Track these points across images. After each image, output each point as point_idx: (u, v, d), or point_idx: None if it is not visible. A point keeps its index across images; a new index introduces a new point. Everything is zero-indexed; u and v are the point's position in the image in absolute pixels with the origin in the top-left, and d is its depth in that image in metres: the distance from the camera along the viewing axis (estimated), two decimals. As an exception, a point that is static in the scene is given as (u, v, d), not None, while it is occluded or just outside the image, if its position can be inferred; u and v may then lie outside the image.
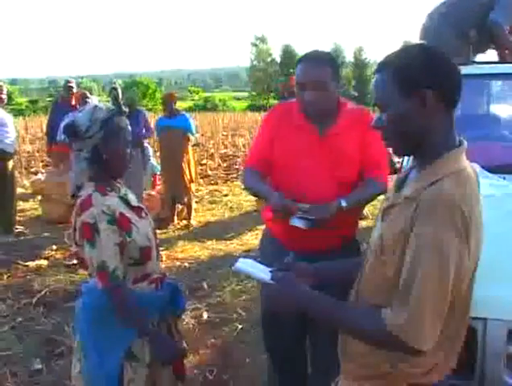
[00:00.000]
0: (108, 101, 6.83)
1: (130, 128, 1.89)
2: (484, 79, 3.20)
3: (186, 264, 5.02)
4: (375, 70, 1.28)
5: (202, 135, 15.54)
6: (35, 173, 9.73)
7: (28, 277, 4.66)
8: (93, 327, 1.81)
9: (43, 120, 18.97)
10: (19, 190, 7.39)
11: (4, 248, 5.35)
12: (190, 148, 6.52)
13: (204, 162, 11.38)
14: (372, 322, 1.21)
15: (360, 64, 63.30)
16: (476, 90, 3.33)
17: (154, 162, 7.77)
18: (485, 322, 1.56)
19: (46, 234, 5.99)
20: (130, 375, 1.80)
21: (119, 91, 6.22)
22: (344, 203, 2.01)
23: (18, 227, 6.03)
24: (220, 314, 3.83)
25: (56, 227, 6.08)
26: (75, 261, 4.40)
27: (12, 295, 4.21)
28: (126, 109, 1.93)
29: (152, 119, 11.58)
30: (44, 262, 5.04)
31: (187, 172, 6.30)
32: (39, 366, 3.14)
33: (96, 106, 1.82)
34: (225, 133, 17.76)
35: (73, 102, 6.47)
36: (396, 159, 3.10)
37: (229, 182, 9.59)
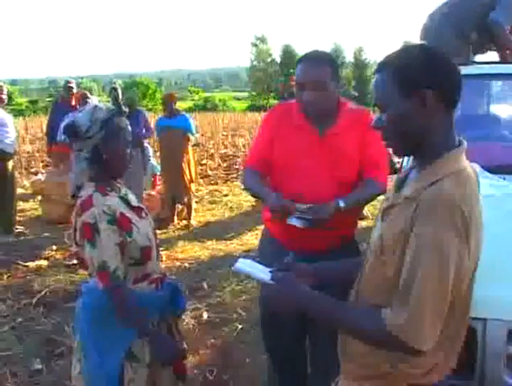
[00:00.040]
0: (108, 101, 6.84)
1: (129, 128, 1.89)
2: (484, 79, 3.20)
3: (186, 265, 5.02)
4: (375, 70, 1.28)
5: (202, 135, 15.55)
6: (35, 173, 9.74)
7: (28, 277, 4.66)
8: (93, 327, 1.81)
9: (43, 120, 18.98)
10: (19, 191, 7.39)
11: (4, 248, 5.35)
12: (190, 148, 6.52)
13: (204, 162, 11.38)
14: (372, 322, 1.21)
15: (360, 64, 63.30)
16: (476, 90, 3.33)
17: (155, 162, 7.78)
18: (484, 322, 1.56)
19: (46, 234, 5.99)
20: (131, 375, 1.80)
21: (119, 91, 6.24)
22: (342, 204, 2.01)
23: (18, 227, 6.03)
24: (220, 314, 3.83)
25: (56, 227, 6.08)
26: (75, 261, 4.40)
27: (12, 295, 4.21)
28: (126, 109, 1.93)
29: (152, 119, 11.58)
30: (44, 262, 5.04)
31: (187, 172, 6.30)
32: (39, 366, 3.14)
33: (96, 106, 1.83)
34: (224, 134, 17.77)
35: (73, 102, 6.47)
36: (396, 159, 3.10)
37: (229, 182, 9.59)
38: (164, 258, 5.04)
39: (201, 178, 9.63)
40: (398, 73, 1.21)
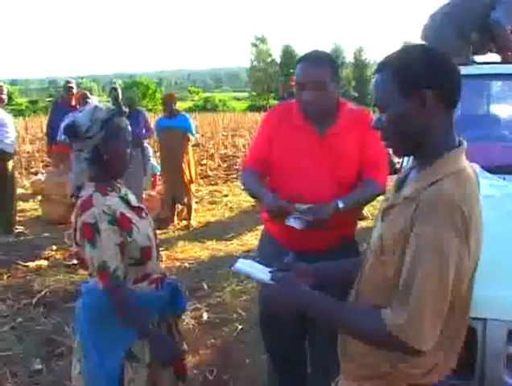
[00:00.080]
0: (108, 102, 6.84)
1: (130, 128, 1.89)
2: (484, 79, 3.20)
3: (186, 265, 5.02)
4: (375, 70, 1.28)
5: (202, 135, 15.55)
6: (35, 173, 9.74)
7: (28, 277, 4.66)
8: (93, 327, 1.81)
9: (43, 120, 18.98)
10: (19, 191, 7.38)
11: (4, 249, 5.35)
12: (190, 148, 6.53)
13: (204, 162, 11.38)
14: (372, 322, 1.21)
15: (360, 65, 63.29)
16: (476, 90, 3.33)
17: (155, 162, 7.78)
18: (484, 322, 1.56)
19: (46, 234, 5.99)
20: (131, 375, 1.80)
21: (119, 91, 6.25)
22: (341, 204, 2.01)
23: (18, 227, 6.03)
24: (220, 315, 3.83)
25: (56, 227, 6.08)
26: (75, 261, 4.39)
27: (12, 295, 4.21)
28: (126, 110, 1.93)
29: (152, 119, 11.58)
30: (44, 262, 5.04)
31: (187, 172, 6.30)
32: (39, 366, 3.14)
33: (96, 106, 1.83)
34: (224, 134, 17.76)
35: (73, 102, 6.47)
36: (396, 159, 3.10)
37: (229, 182, 9.59)
38: (164, 258, 5.04)
39: (201, 178, 9.63)
40: (398, 73, 1.21)
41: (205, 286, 4.38)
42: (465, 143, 1.28)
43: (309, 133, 2.14)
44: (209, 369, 3.08)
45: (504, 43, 3.16)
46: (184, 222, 6.51)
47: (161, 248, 4.63)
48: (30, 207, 7.39)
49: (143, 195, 6.09)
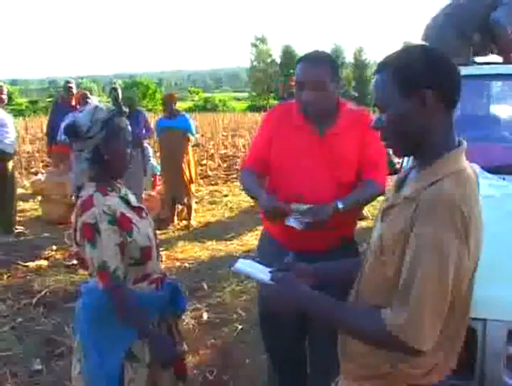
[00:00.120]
0: (108, 102, 6.83)
1: (130, 128, 1.89)
2: (484, 79, 3.20)
3: (186, 265, 5.02)
4: (375, 70, 1.28)
5: (202, 136, 15.54)
6: (35, 173, 9.74)
7: (28, 277, 4.66)
8: (93, 327, 1.81)
9: (43, 120, 18.98)
10: (19, 191, 7.38)
11: (4, 249, 5.35)
12: (190, 148, 6.53)
13: (204, 162, 11.38)
14: (372, 322, 1.21)
15: (360, 65, 63.28)
16: (476, 91, 3.33)
17: (155, 162, 7.78)
18: (484, 322, 1.56)
19: (46, 234, 5.99)
20: (131, 375, 1.80)
21: (119, 91, 6.24)
22: (340, 205, 2.01)
23: (18, 227, 6.03)
24: (220, 315, 3.83)
25: (56, 227, 6.08)
26: (75, 261, 4.40)
27: (12, 295, 4.21)
28: (127, 110, 1.94)
29: (152, 119, 11.58)
30: (44, 262, 5.04)
31: (187, 172, 6.30)
32: (39, 366, 3.14)
33: (96, 106, 1.83)
34: (224, 134, 17.76)
35: (73, 103, 6.48)
36: (396, 160, 3.11)
37: (229, 182, 9.59)
38: (164, 258, 5.05)
39: (201, 178, 9.63)
40: (398, 73, 1.21)
41: (205, 286, 4.39)
42: (465, 143, 1.28)
43: (309, 133, 2.14)
44: (209, 369, 3.08)
45: (504, 43, 3.16)
46: (184, 222, 6.51)
47: (161, 248, 4.63)
48: (30, 207, 7.39)
49: (143, 195, 6.09)
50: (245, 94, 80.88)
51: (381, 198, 1.82)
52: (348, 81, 51.00)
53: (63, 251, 5.32)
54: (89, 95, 6.49)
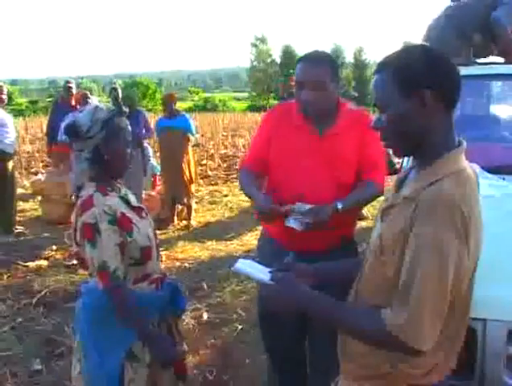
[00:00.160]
0: (108, 102, 6.83)
1: (130, 128, 1.89)
2: (484, 79, 3.20)
3: (186, 265, 5.02)
4: (375, 70, 1.28)
5: (202, 136, 15.55)
6: (35, 173, 9.74)
7: (28, 277, 4.66)
8: (93, 327, 1.81)
9: (43, 120, 18.98)
10: (19, 191, 7.38)
11: (4, 249, 5.35)
12: (190, 148, 6.52)
13: (204, 162, 11.38)
14: (372, 322, 1.21)
15: (360, 65, 63.27)
16: (476, 91, 3.33)
17: (155, 162, 7.78)
18: (484, 322, 1.56)
19: (46, 234, 5.99)
20: (131, 375, 1.80)
21: (119, 91, 6.24)
22: (340, 206, 2.01)
23: (18, 227, 6.03)
24: (220, 315, 3.83)
25: (56, 227, 6.08)
26: (75, 261, 4.40)
27: (12, 295, 4.21)
28: (127, 110, 1.93)
29: (152, 119, 11.58)
30: (44, 262, 5.04)
31: (187, 172, 6.30)
32: (39, 366, 3.14)
33: (97, 106, 1.83)
34: (224, 134, 17.76)
35: (73, 103, 6.48)
36: (396, 160, 3.11)
37: (228, 182, 9.59)
38: (164, 258, 5.05)
39: (201, 178, 9.63)
40: (398, 73, 1.21)
41: (205, 286, 4.39)
42: (465, 143, 1.28)
43: (309, 133, 2.14)
44: (209, 369, 3.08)
45: (505, 43, 3.15)
46: (184, 222, 6.51)
47: (161, 248, 4.63)
48: (30, 207, 7.39)
49: (143, 195, 6.09)
50: (245, 94, 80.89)
51: (381, 198, 1.82)
52: (348, 81, 50.98)
53: (63, 251, 5.32)
54: (89, 95, 6.49)
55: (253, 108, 47.83)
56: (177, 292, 2.01)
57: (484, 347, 1.57)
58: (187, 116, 6.53)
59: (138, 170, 5.83)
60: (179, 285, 2.12)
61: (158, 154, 7.53)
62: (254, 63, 66.91)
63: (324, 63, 2.08)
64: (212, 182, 9.60)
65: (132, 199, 1.92)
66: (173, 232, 6.23)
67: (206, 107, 55.61)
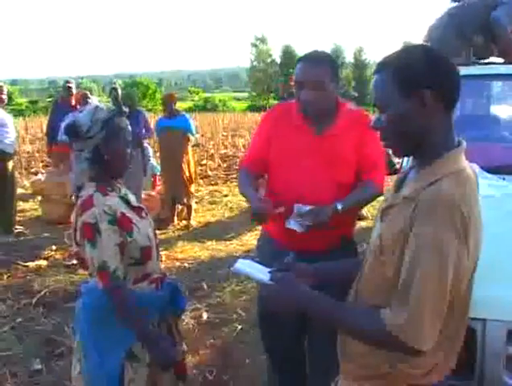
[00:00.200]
0: (108, 102, 6.82)
1: (130, 128, 1.89)
2: (484, 79, 3.21)
3: (186, 265, 5.02)
4: (375, 70, 1.28)
5: (202, 135, 15.55)
6: (35, 173, 9.73)
7: (28, 277, 4.66)
8: (94, 327, 1.81)
9: (43, 120, 18.98)
10: (19, 191, 7.38)
11: (4, 249, 5.35)
12: (190, 148, 6.52)
13: (204, 162, 11.38)
14: (371, 322, 1.21)
15: (360, 65, 63.28)
16: (476, 91, 3.33)
17: (154, 162, 7.78)
18: (484, 322, 1.56)
19: (46, 234, 5.99)
20: (131, 375, 1.80)
21: (119, 91, 6.24)
22: (339, 206, 2.01)
23: (18, 227, 6.03)
24: (219, 315, 3.83)
25: (56, 227, 6.08)
26: (75, 261, 4.40)
27: (12, 295, 4.21)
28: (127, 110, 1.93)
29: (152, 119, 11.58)
30: (44, 262, 5.04)
31: (187, 172, 6.30)
32: (39, 366, 3.14)
33: (97, 106, 1.83)
34: (224, 134, 17.76)
35: (73, 103, 6.48)
36: (396, 160, 3.11)
37: (228, 182, 9.58)
38: (164, 258, 5.04)
39: (201, 178, 9.63)
40: (398, 73, 1.21)
41: (205, 286, 4.39)
42: (464, 143, 1.28)
43: (308, 133, 2.14)
44: (209, 369, 3.08)
45: (505, 43, 3.15)
46: (184, 222, 6.51)
47: (161, 248, 4.63)
48: (30, 207, 7.39)
49: (143, 195, 6.09)
50: (245, 94, 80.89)
51: (381, 198, 1.82)
52: (348, 81, 51.01)
53: (62, 251, 5.31)
54: (89, 95, 6.49)
55: (253, 108, 47.83)
56: (177, 292, 2.01)
57: (483, 347, 1.57)
58: (187, 116, 6.53)
59: (138, 170, 5.83)
60: (179, 285, 2.12)
61: (158, 154, 7.53)
62: (254, 63, 66.92)
63: (324, 63, 2.08)
64: (212, 182, 9.60)
65: (132, 198, 1.92)
66: (173, 231, 6.23)
67: (206, 107, 55.61)
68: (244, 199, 2.29)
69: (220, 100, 66.05)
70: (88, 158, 1.79)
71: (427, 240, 1.14)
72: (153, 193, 6.91)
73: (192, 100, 71.34)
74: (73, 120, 1.79)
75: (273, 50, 67.94)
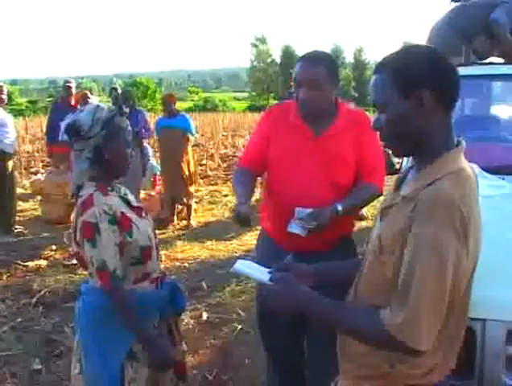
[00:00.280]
0: (108, 102, 6.81)
1: (130, 128, 1.89)
2: (484, 79, 3.21)
3: (185, 265, 5.02)
4: (374, 70, 1.28)
5: (202, 135, 15.56)
6: (35, 173, 9.73)
7: (28, 277, 4.66)
8: (94, 327, 1.81)
9: (42, 120, 18.98)
10: (19, 191, 7.38)
11: (4, 248, 5.35)
12: (190, 148, 6.52)
13: (203, 162, 11.39)
14: (371, 322, 1.21)
15: (360, 65, 63.33)
16: (476, 91, 3.33)
17: (154, 162, 7.77)
18: (483, 322, 1.56)
19: (45, 234, 5.99)
20: (131, 374, 1.80)
21: (119, 91, 6.22)
22: (340, 208, 2.01)
23: (17, 227, 6.03)
24: (219, 315, 3.83)
25: (56, 227, 6.08)
26: (74, 261, 4.40)
27: (12, 295, 4.21)
28: (127, 110, 1.93)
29: (152, 119, 11.59)
30: (44, 262, 5.03)
31: (187, 172, 6.30)
32: (39, 366, 3.14)
33: (98, 106, 1.83)
34: (224, 134, 17.77)
35: (73, 102, 6.48)
36: (396, 160, 3.11)
37: (228, 182, 9.56)
38: (164, 258, 5.05)
39: (201, 178, 9.63)
40: (397, 74, 1.21)
41: (205, 286, 4.38)
42: (464, 143, 1.28)
43: (306, 133, 2.14)
44: (209, 369, 3.08)
45: (505, 43, 3.16)
46: (184, 222, 6.51)
47: (160, 248, 4.62)
48: (30, 207, 7.38)
49: (142, 195, 6.08)
50: (245, 94, 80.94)
51: (381, 198, 1.82)
52: (348, 81, 51.02)
53: (62, 251, 5.31)
54: (90, 95, 6.49)
55: (253, 108, 47.83)
56: (177, 291, 2.01)
57: (483, 347, 1.56)
58: (187, 115, 6.53)
59: (137, 170, 5.82)
60: (179, 285, 2.12)
61: (157, 154, 7.52)
62: (254, 63, 66.96)
63: (322, 63, 2.08)
64: (212, 182, 9.60)
65: (132, 198, 1.92)
66: (173, 231, 6.23)
67: (206, 107, 55.62)
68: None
69: (220, 100, 66.07)
70: (88, 157, 1.79)
71: (427, 240, 1.13)
72: (153, 193, 6.90)
73: (192, 100, 71.37)
74: (74, 119, 1.79)
75: (273, 50, 68.12)
